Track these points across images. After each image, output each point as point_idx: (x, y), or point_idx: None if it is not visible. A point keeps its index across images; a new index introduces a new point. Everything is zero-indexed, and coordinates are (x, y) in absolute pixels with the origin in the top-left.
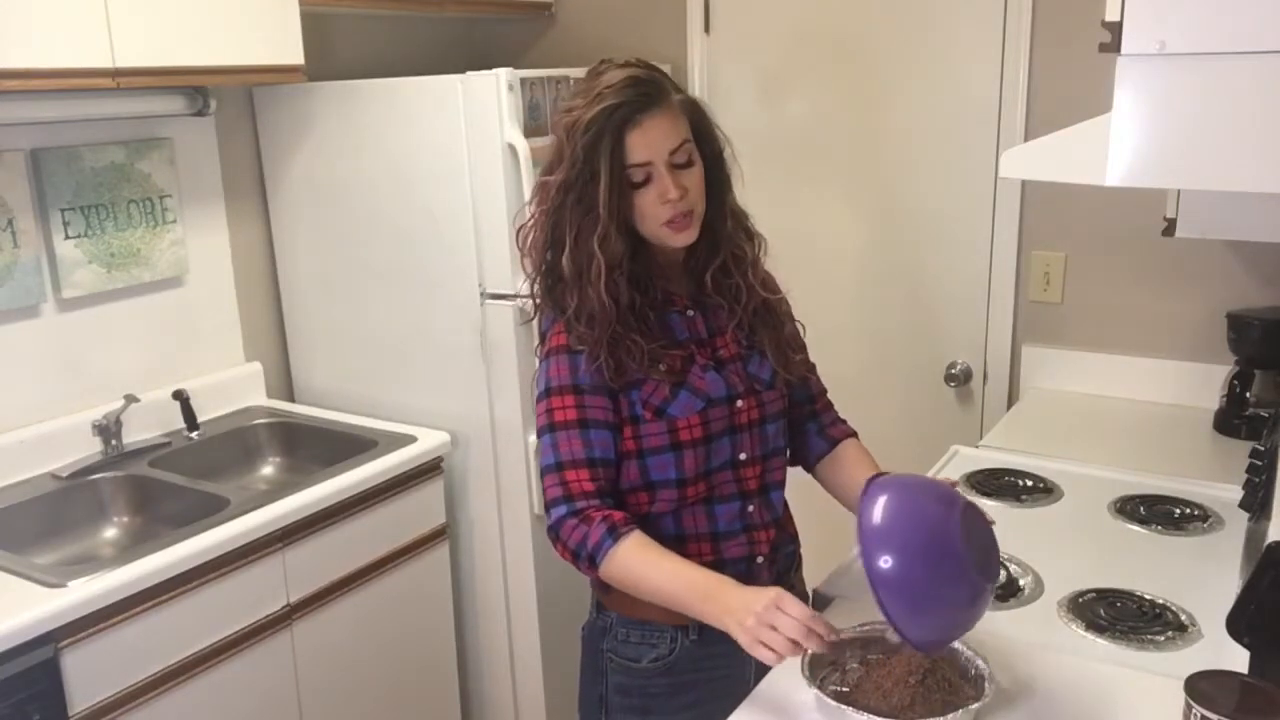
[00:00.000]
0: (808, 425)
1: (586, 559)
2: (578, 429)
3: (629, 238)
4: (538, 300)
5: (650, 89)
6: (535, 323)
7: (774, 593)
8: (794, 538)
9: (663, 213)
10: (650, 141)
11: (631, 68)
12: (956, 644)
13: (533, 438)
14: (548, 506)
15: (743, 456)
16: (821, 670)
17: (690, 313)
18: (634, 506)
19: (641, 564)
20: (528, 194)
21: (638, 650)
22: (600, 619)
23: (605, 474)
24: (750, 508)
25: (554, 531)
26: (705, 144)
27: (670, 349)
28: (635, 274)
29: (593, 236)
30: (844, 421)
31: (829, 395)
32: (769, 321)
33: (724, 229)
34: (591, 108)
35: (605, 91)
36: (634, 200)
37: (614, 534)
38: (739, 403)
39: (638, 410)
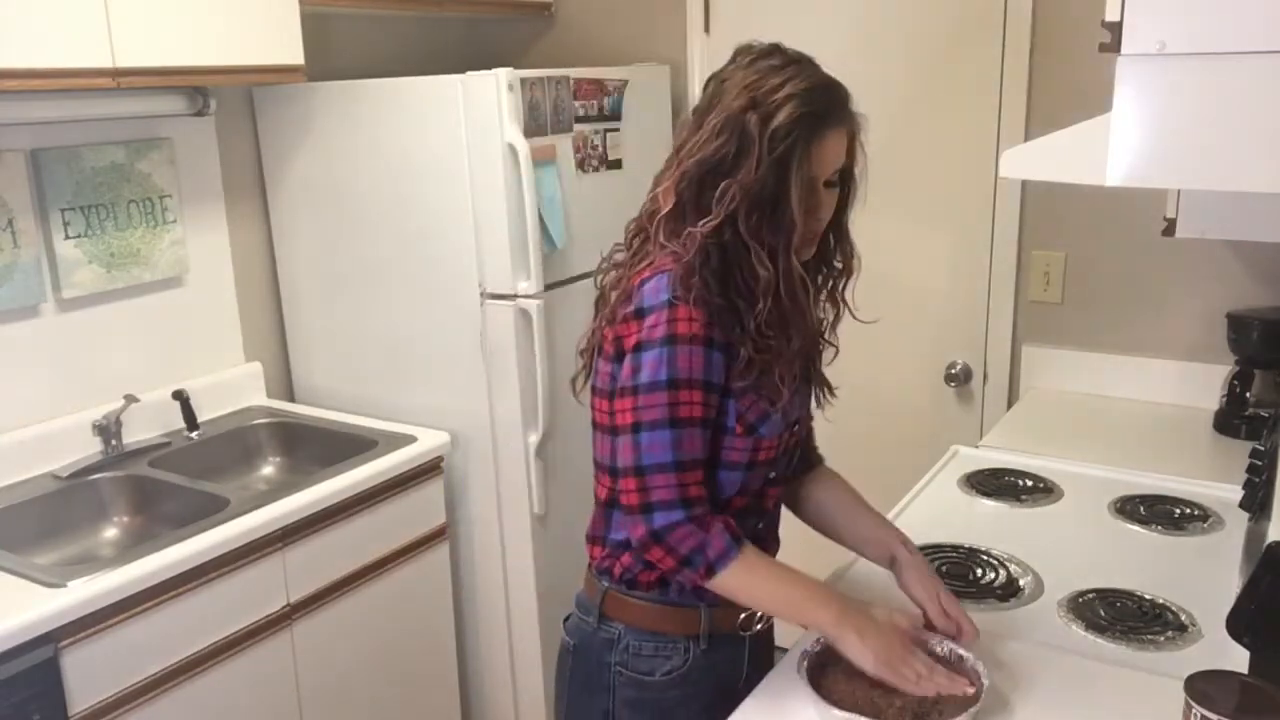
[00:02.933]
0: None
1: (703, 566)
2: (700, 428)
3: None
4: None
5: (845, 97)
6: (599, 281)
7: (898, 632)
8: None
9: (808, 227)
10: (827, 157)
11: (820, 70)
12: (956, 644)
13: (534, 437)
14: (653, 507)
15: (772, 475)
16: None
17: None
18: None
19: (764, 569)
20: (527, 194)
21: (651, 663)
22: (603, 629)
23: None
24: (761, 525)
25: (659, 536)
26: (846, 159)
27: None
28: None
29: (790, 248)
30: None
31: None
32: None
33: (845, 247)
34: (789, 106)
35: (802, 92)
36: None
37: (738, 543)
38: (796, 426)
39: (729, 422)
